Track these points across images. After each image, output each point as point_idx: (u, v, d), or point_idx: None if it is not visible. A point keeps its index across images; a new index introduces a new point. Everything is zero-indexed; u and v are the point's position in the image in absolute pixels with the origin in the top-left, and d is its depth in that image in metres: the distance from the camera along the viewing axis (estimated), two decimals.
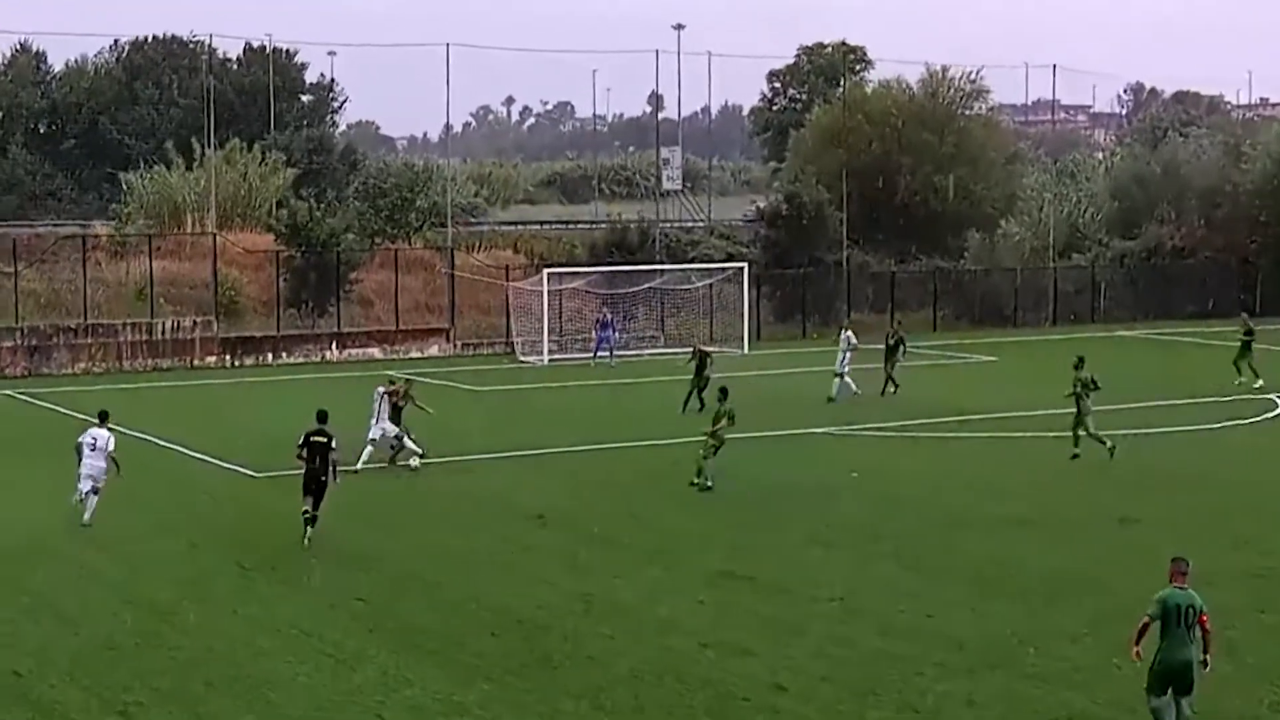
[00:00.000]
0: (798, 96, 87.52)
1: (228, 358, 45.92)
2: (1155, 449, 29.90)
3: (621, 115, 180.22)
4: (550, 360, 46.76)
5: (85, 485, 22.85)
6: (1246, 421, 33.04)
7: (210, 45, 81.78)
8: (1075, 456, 27.93)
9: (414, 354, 48.04)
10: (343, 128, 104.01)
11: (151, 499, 24.96)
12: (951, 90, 68.23)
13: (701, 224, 70.61)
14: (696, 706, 14.82)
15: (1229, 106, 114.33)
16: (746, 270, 50.88)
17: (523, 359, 47.45)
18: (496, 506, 24.50)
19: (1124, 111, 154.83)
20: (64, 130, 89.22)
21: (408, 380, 29.04)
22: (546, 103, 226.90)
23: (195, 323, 46.25)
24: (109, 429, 23.40)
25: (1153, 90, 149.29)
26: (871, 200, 63.47)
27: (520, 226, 76.57)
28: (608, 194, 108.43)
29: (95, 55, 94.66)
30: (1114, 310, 60.02)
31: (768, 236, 58.71)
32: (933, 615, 17.80)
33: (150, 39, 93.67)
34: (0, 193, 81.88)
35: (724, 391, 26.77)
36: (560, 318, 49.99)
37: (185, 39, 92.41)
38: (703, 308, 51.94)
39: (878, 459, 28.91)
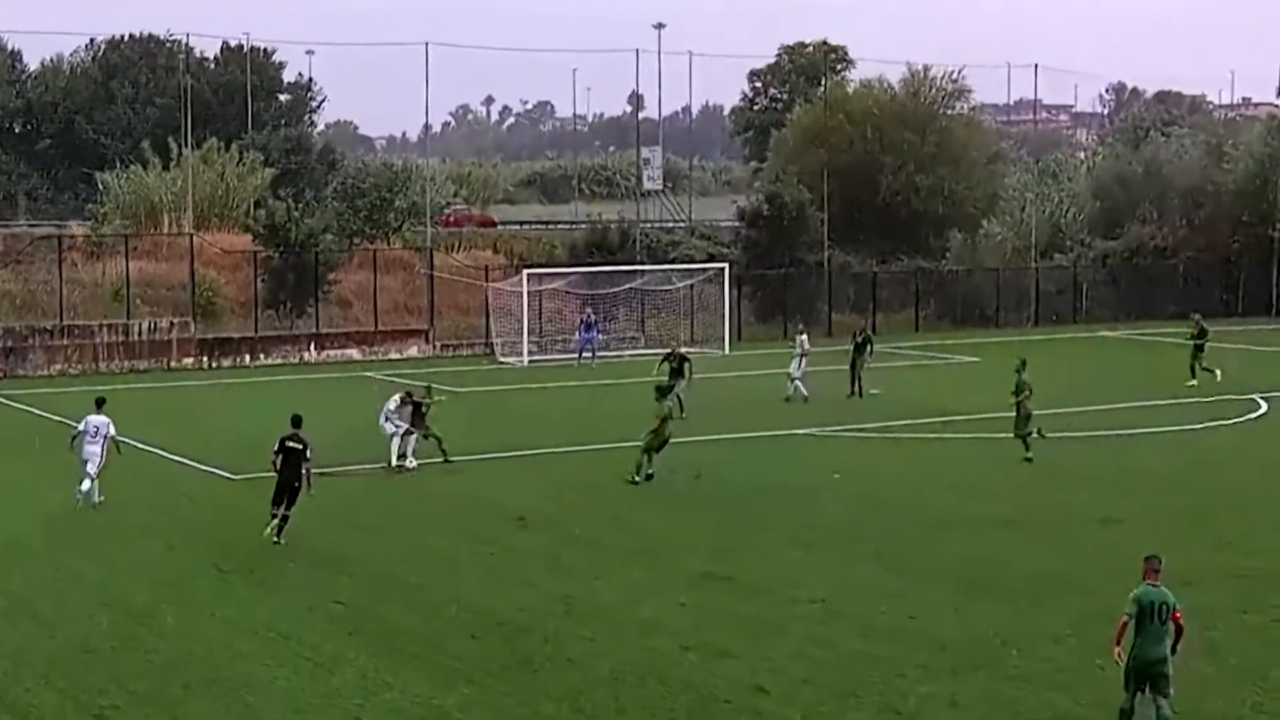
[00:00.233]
0: (779, 96, 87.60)
1: (205, 359, 45.69)
2: (1138, 450, 29.94)
3: (602, 115, 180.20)
4: (530, 361, 46.65)
5: (91, 468, 23.89)
6: (1229, 422, 33.12)
7: (187, 44, 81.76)
8: (1029, 460, 28.09)
9: (393, 355, 47.88)
10: (321, 127, 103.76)
11: (129, 501, 24.78)
12: (933, 90, 68.32)
13: (682, 224, 70.61)
14: (678, 709, 14.76)
15: (1211, 106, 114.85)
16: (727, 271, 50.87)
17: (502, 360, 47.33)
18: (477, 508, 24.40)
19: (1106, 111, 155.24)
20: (39, 130, 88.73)
21: (427, 388, 29.08)
22: (526, 102, 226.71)
23: (172, 324, 46.01)
24: (107, 416, 24.28)
25: (1135, 90, 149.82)
26: (853, 200, 63.50)
27: (500, 227, 76.43)
28: (588, 194, 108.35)
29: (71, 54, 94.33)
30: (1096, 310, 60.18)
31: (748, 237, 58.69)
32: (915, 616, 17.76)
33: (126, 38, 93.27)
34: None
35: (660, 390, 27.18)
36: (540, 318, 49.88)
37: (162, 38, 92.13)
38: (683, 308, 51.91)
39: (860, 460, 28.90)
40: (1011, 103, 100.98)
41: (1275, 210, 62.23)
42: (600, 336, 47.28)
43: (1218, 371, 38.73)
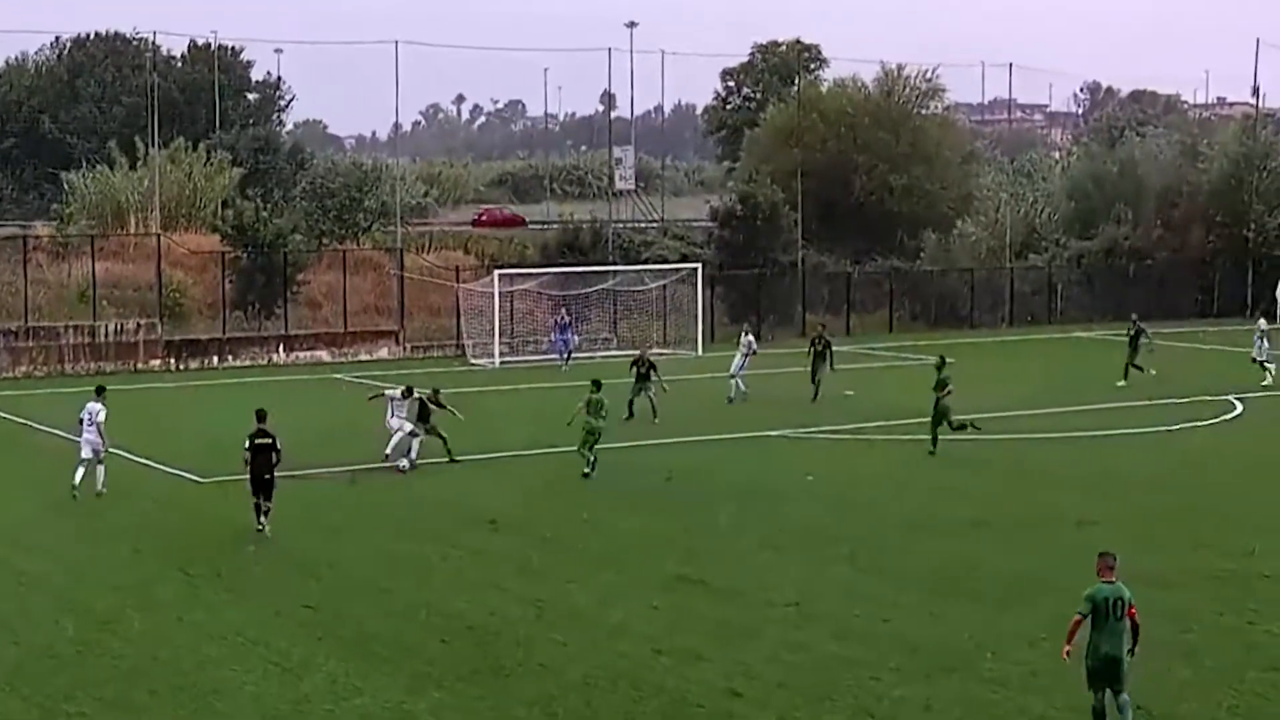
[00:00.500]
0: (752, 95, 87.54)
1: (172, 361, 45.34)
2: (1113, 451, 29.94)
3: (574, 114, 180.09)
4: (501, 363, 46.45)
5: (85, 452, 24.79)
6: (1205, 423, 33.17)
7: (154, 42, 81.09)
8: (932, 453, 28.76)
9: (363, 357, 47.62)
10: (290, 126, 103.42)
11: (94, 504, 24.60)
12: (907, 89, 68.40)
13: (655, 224, 70.56)
14: (650, 713, 14.66)
15: (1186, 106, 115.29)
16: (700, 271, 50.75)
17: (473, 362, 47.12)
18: (447, 511, 24.24)
19: (1080, 111, 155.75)
20: (4, 129, 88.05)
21: (434, 390, 28.97)
22: (497, 101, 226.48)
23: (139, 325, 45.64)
24: (102, 403, 25.04)
25: (1109, 89, 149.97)
26: (827, 200, 63.53)
27: (471, 227, 76.24)
28: (560, 194, 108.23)
29: (36, 52, 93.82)
30: (1071, 311, 60.19)
31: (722, 237, 58.59)
32: (889, 619, 17.69)
33: (92, 36, 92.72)
34: None
35: (597, 384, 27.51)
36: (511, 320, 49.70)
37: (128, 36, 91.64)
38: (656, 309, 51.79)
39: (833, 462, 28.85)
40: (986, 102, 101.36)
41: (1250, 210, 62.50)
42: (575, 338, 47.11)
43: (1152, 370, 38.77)
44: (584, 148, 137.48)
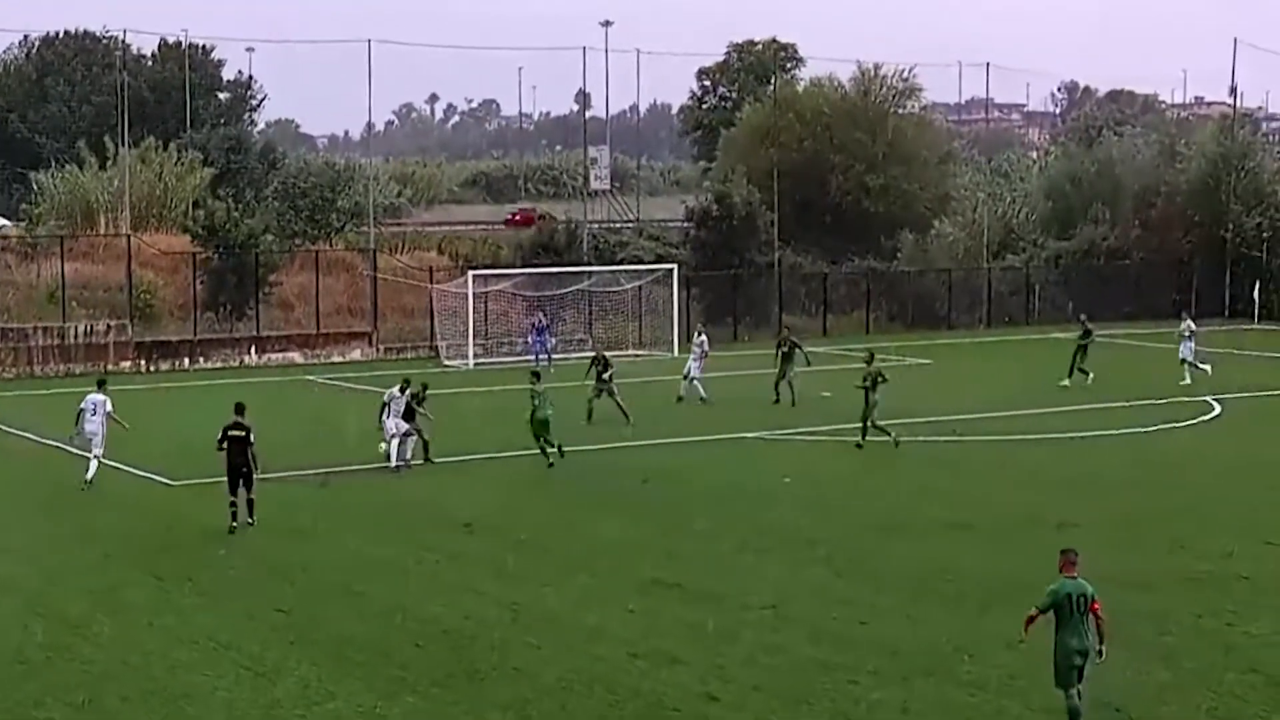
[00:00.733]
0: (728, 95, 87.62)
1: (143, 362, 45.02)
2: (1091, 452, 29.95)
3: (548, 113, 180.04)
4: (476, 364, 46.26)
5: (96, 449, 25.54)
6: (1183, 424, 33.23)
7: (124, 41, 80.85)
8: (860, 446, 29.33)
9: (335, 358, 47.39)
10: (261, 126, 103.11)
11: (64, 508, 24.45)
12: (884, 88, 68.46)
13: (630, 225, 70.43)
14: (626, 717, 14.59)
15: (1163, 105, 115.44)
16: (676, 272, 50.65)
17: (447, 363, 46.93)
18: (422, 514, 24.09)
19: (1058, 110, 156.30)
20: None
21: (423, 385, 28.99)
22: (471, 100, 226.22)
23: (109, 326, 45.31)
24: (105, 394, 26.07)
25: (1087, 89, 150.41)
26: (803, 200, 63.56)
27: (444, 227, 76.03)
28: (534, 194, 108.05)
29: (4, 51, 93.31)
30: (1048, 311, 60.20)
31: (698, 237, 58.54)
32: (866, 622, 17.63)
33: (62, 34, 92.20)
34: None
35: (536, 375, 28.86)
36: (486, 321, 49.52)
37: (98, 34, 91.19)
38: (631, 310, 51.65)
39: (810, 463, 28.78)
40: (963, 101, 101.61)
41: (1228, 211, 62.67)
42: (552, 340, 46.96)
43: (1090, 375, 38.77)
44: (559, 147, 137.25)
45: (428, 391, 28.74)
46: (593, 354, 35.79)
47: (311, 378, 42.79)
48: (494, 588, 19.22)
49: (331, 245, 58.56)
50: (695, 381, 36.71)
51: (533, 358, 45.50)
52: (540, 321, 46.99)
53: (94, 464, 25.61)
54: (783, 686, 15.34)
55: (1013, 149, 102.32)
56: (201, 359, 45.90)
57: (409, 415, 27.91)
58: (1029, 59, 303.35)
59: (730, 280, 55.05)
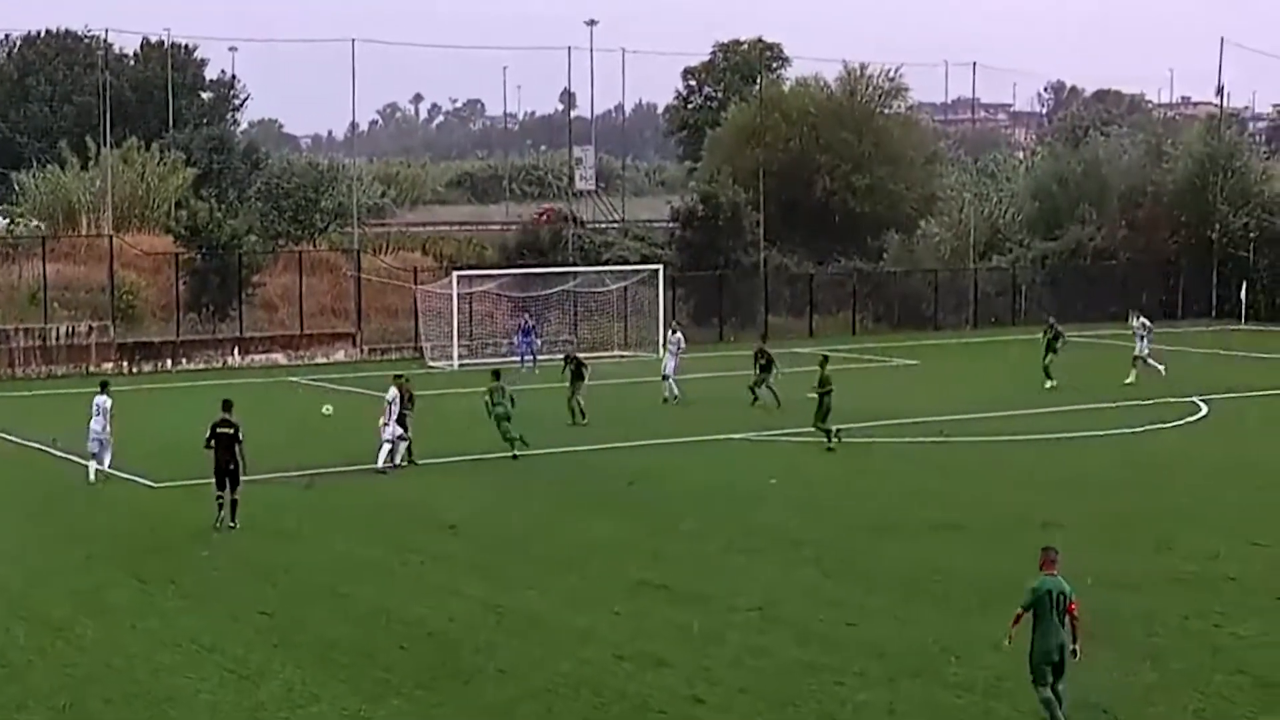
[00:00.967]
0: (714, 94, 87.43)
1: (125, 364, 44.81)
2: (1078, 453, 29.95)
3: (533, 113, 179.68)
4: (460, 365, 46.13)
5: (93, 446, 26.28)
6: (1170, 425, 33.25)
7: (106, 40, 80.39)
8: (831, 450, 29.41)
9: (319, 359, 47.23)
10: (244, 126, 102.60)
11: (46, 510, 24.36)
12: (870, 88, 68.36)
13: (615, 225, 70.28)
14: (612, 719, 14.47)
15: (1150, 105, 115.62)
16: (662, 272, 50.56)
17: (432, 364, 46.80)
18: (407, 515, 24.00)
19: (1045, 110, 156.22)
20: None
21: (407, 379, 29.16)
22: (456, 100, 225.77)
23: (91, 328, 45.10)
24: (108, 395, 26.78)
25: (1073, 88, 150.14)
26: (789, 200, 63.46)
27: (429, 228, 75.81)
28: (519, 194, 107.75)
29: None
30: (1035, 312, 60.06)
31: (683, 238, 58.44)
32: (854, 623, 17.59)
33: (43, 34, 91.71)
34: None
35: (496, 373, 29.82)
36: (470, 321, 49.40)
37: (80, 34, 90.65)
38: (617, 310, 51.56)
39: (797, 464, 28.73)
40: (949, 101, 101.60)
41: (1215, 211, 62.75)
42: (538, 341, 46.87)
43: (1050, 382, 38.65)
44: (544, 147, 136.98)
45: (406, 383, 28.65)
46: (565, 355, 36.03)
47: (295, 379, 42.63)
48: (479, 589, 19.15)
49: (315, 246, 58.37)
50: (671, 381, 36.67)
51: (518, 359, 45.46)
52: (526, 323, 46.90)
53: (98, 462, 26.33)
54: (769, 688, 15.29)
55: (999, 149, 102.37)
56: (184, 360, 45.70)
57: (401, 419, 27.81)
58: (1015, 59, 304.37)
59: (716, 281, 55.00)
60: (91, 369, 43.98)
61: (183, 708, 14.79)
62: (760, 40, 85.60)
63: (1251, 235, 62.35)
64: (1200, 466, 28.39)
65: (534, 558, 21.02)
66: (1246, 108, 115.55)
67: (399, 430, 27.66)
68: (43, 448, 30.22)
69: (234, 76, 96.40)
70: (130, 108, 79.93)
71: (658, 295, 50.09)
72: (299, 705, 14.84)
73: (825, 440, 29.74)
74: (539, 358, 45.46)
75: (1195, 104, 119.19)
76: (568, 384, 33.67)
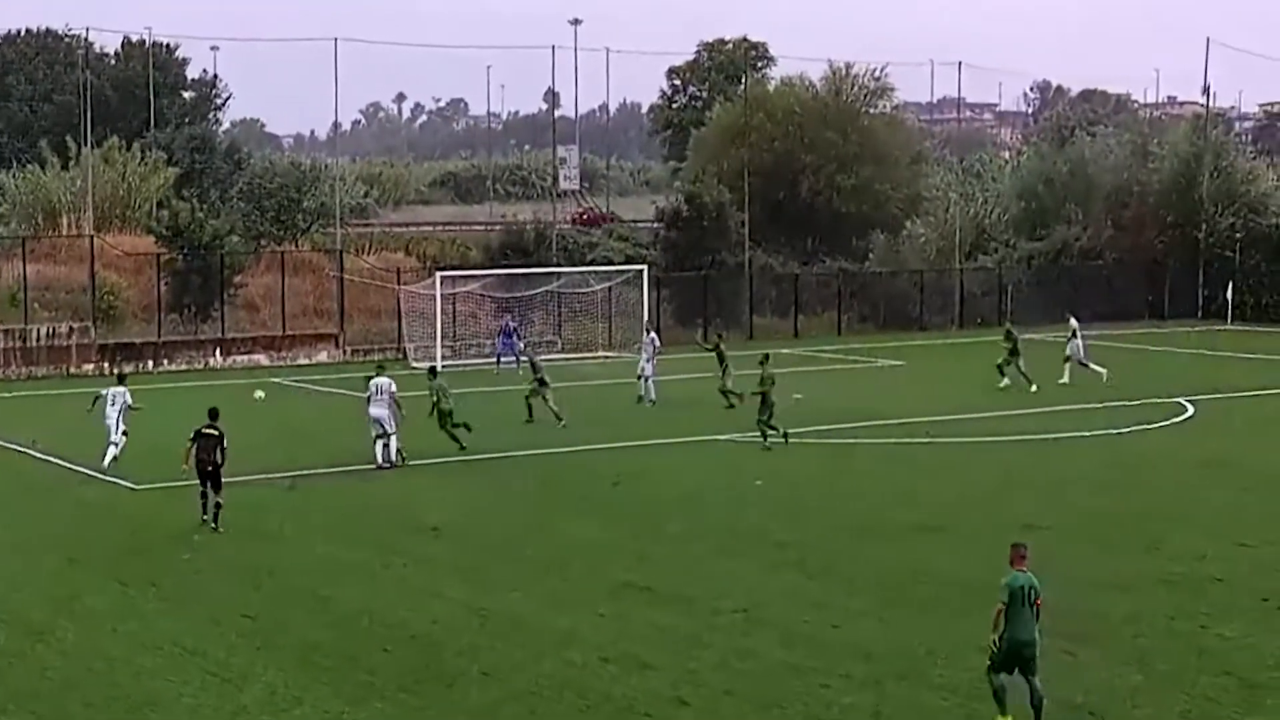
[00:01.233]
0: (698, 94, 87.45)
1: (106, 365, 44.45)
2: (1064, 454, 29.93)
3: (517, 113, 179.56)
4: (444, 366, 45.84)
5: (113, 436, 27.21)
6: (1155, 426, 33.27)
7: (86, 39, 79.67)
8: (767, 449, 29.46)
9: (302, 360, 47.03)
10: (226, 125, 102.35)
11: (26, 512, 24.23)
12: (855, 88, 68.28)
13: (600, 225, 70.22)
14: None
15: (1136, 105, 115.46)
16: (646, 273, 50.43)
17: (415, 365, 46.60)
18: (389, 517, 23.89)
19: (1030, 110, 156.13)
20: None
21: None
22: (439, 100, 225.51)
23: (72, 329, 44.87)
24: (125, 387, 27.76)
25: (1059, 88, 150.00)
26: (774, 200, 63.40)
27: (412, 228, 75.66)
28: (502, 194, 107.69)
29: None
30: (1021, 313, 59.97)
31: (668, 238, 58.32)
32: (839, 625, 17.55)
33: (23, 32, 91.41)
34: None
35: (433, 370, 30.63)
36: (454, 322, 49.25)
37: (60, 32, 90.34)
38: (601, 311, 51.44)
39: (782, 466, 28.62)
40: (935, 101, 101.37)
41: (1201, 211, 62.79)
42: (520, 343, 46.72)
43: (1004, 381, 38.64)
44: (527, 147, 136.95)
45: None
46: (527, 357, 36.21)
47: (278, 380, 42.42)
48: (462, 592, 19.08)
49: (298, 246, 58.18)
50: (650, 381, 36.58)
51: (499, 360, 45.33)
52: (508, 325, 46.76)
53: (111, 450, 27.21)
54: (754, 691, 15.25)
55: (985, 149, 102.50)
56: (166, 361, 45.48)
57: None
58: (1001, 58, 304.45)
59: (701, 281, 54.93)
60: (72, 370, 43.78)
61: (164, 711, 14.71)
62: (745, 39, 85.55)
63: (1238, 235, 62.42)
64: (1186, 467, 28.39)
65: (517, 559, 20.94)
66: (1232, 107, 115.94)
67: (391, 426, 27.59)
68: (22, 449, 30.02)
69: (216, 76, 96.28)
70: (111, 107, 79.61)
71: (642, 296, 49.99)
72: (281, 708, 14.76)
73: (762, 441, 29.62)
74: (520, 359, 45.32)
75: (1181, 104, 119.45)
76: (531, 383, 33.60)
